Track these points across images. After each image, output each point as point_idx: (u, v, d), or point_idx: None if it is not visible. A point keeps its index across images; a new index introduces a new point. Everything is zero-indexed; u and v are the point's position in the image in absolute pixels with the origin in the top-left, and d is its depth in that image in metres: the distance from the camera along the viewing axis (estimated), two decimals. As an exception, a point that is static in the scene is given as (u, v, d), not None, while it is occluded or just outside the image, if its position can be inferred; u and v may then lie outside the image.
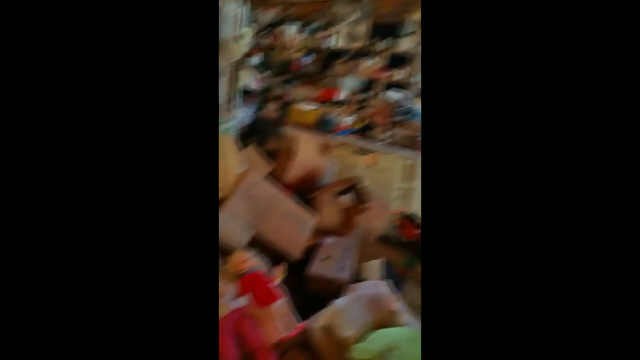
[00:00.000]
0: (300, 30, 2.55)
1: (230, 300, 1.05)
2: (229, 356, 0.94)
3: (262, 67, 2.76)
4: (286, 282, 1.22)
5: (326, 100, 2.35)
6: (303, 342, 1.09)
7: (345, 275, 1.31)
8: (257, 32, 2.65)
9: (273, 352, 0.99)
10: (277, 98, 2.60)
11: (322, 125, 2.28)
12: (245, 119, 2.57)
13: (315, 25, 2.47)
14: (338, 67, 2.48)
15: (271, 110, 2.59)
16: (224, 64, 2.31)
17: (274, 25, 2.56)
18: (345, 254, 1.43)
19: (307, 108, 2.34)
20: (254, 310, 1.05)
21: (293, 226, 1.45)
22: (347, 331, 0.96)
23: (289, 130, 2.35)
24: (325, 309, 1.09)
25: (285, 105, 2.46)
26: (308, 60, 2.58)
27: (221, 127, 2.17)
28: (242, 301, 1.06)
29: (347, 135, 2.21)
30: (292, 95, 2.45)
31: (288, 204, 1.51)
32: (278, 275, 1.19)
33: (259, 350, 0.98)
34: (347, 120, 2.24)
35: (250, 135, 2.60)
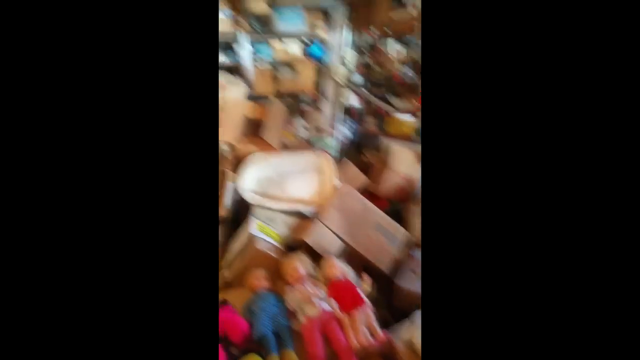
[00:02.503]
0: (400, 45, 2.57)
1: (319, 302, 1.18)
2: (316, 353, 1.06)
3: (364, 84, 2.89)
4: (373, 292, 1.27)
5: (426, 109, 2.28)
6: (385, 352, 1.12)
7: (435, 292, 1.27)
8: (359, 53, 2.80)
9: (355, 356, 1.06)
10: (377, 111, 2.67)
11: (420, 136, 2.22)
12: (346, 134, 2.74)
13: (414, 40, 2.45)
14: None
15: (370, 123, 2.68)
16: (328, 85, 2.54)
17: (375, 44, 2.66)
18: (438, 270, 1.38)
19: (404, 119, 2.33)
20: (340, 315, 1.15)
21: (383, 238, 1.49)
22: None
23: (385, 142, 2.39)
24: (411, 323, 1.09)
25: (384, 118, 2.51)
26: (408, 71, 2.57)
27: (323, 143, 2.39)
28: (330, 304, 1.18)
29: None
30: (391, 107, 2.48)
31: (379, 216, 1.57)
32: (365, 284, 1.26)
33: (342, 352, 1.07)
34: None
35: (350, 149, 2.74)
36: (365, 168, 2.37)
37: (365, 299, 1.19)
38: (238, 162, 1.89)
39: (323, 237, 1.46)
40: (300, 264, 1.33)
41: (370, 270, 1.39)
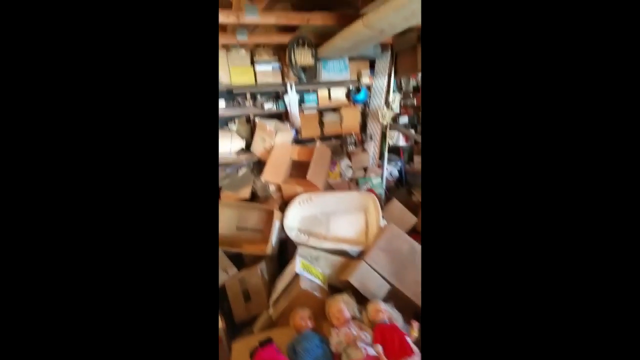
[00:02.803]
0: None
1: (365, 347, 1.13)
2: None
3: (410, 125, 2.93)
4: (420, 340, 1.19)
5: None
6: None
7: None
8: (404, 95, 2.88)
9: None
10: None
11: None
12: (394, 173, 2.73)
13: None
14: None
15: (417, 162, 2.65)
16: (376, 127, 2.62)
17: (419, 87, 2.74)
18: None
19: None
20: (386, 361, 1.08)
21: (432, 281, 1.41)
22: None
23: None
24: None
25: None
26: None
27: (369, 182, 2.41)
28: (376, 350, 1.12)
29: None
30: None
31: (428, 257, 1.49)
32: (414, 331, 1.18)
33: (390, 404, 0.99)
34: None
35: (397, 188, 2.71)
36: (412, 207, 2.31)
37: (415, 347, 1.11)
38: (285, 203, 1.98)
39: (368, 278, 1.43)
40: (345, 306, 1.30)
41: (419, 316, 1.31)
